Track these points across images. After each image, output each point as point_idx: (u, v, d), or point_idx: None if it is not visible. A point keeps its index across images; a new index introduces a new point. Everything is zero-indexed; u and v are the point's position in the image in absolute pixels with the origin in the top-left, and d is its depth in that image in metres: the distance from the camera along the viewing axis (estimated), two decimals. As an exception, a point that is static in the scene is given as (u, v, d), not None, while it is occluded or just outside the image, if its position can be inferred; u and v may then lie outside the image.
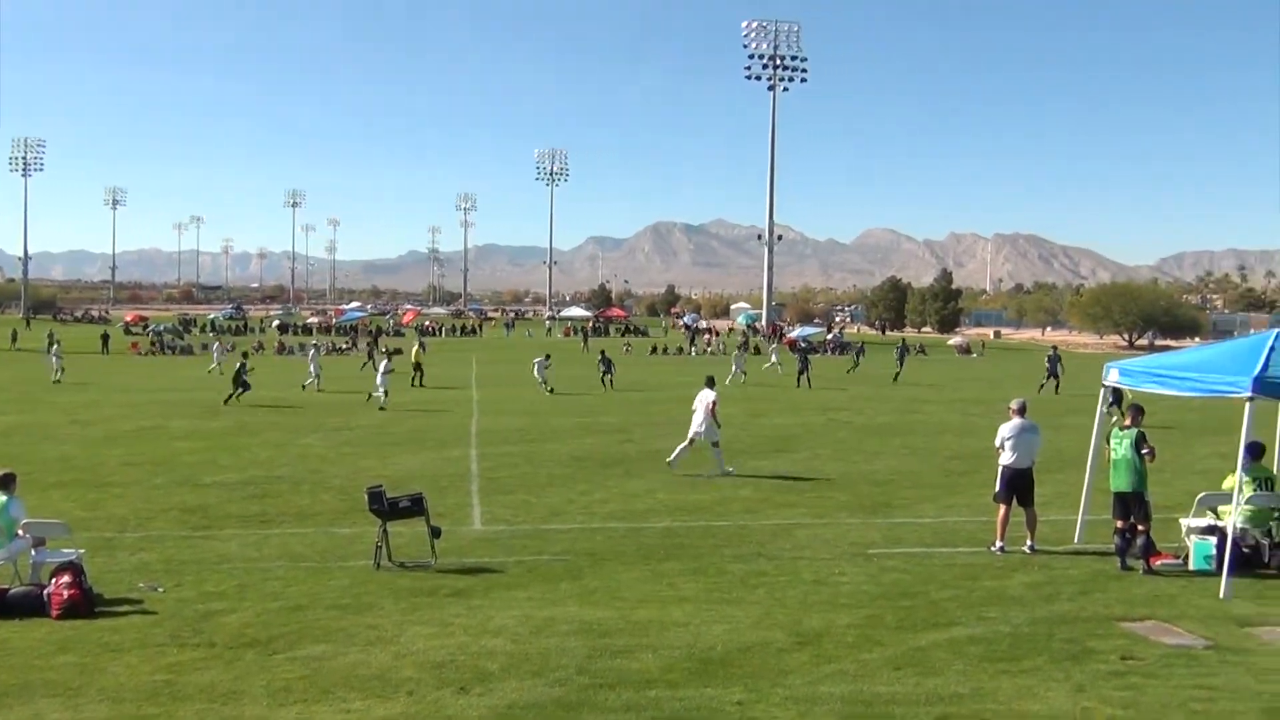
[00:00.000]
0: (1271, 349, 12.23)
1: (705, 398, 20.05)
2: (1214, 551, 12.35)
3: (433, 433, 26.28)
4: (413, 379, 41.23)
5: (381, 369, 33.84)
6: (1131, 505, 12.69)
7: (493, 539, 14.15)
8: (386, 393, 32.46)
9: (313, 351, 41.44)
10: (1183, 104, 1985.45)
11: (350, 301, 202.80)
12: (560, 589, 11.51)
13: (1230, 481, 13.28)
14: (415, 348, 45.24)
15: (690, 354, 74.40)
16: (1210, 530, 12.78)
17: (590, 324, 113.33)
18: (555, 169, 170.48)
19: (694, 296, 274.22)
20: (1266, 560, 12.66)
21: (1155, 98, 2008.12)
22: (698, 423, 19.87)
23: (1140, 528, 12.62)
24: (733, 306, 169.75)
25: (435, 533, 12.75)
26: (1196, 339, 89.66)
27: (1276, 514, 13.07)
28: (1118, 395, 23.33)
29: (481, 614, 10.49)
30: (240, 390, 33.42)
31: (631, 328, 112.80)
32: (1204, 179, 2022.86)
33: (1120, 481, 12.80)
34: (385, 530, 12.59)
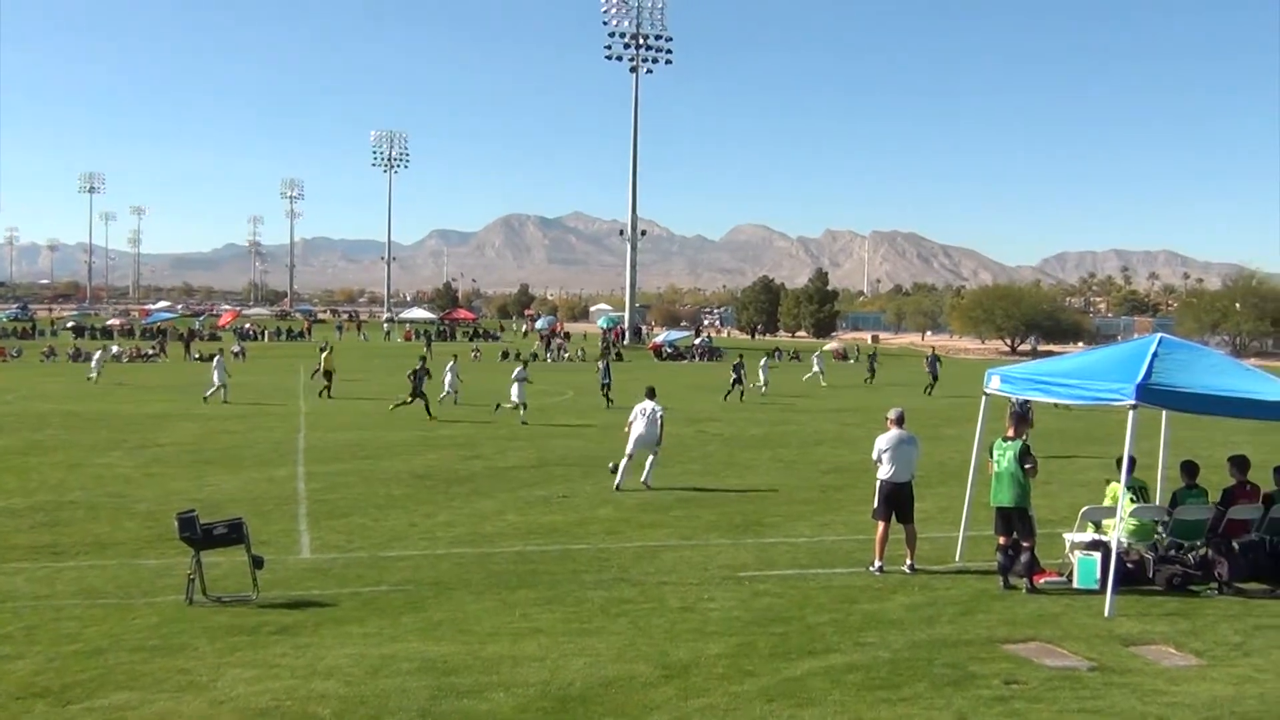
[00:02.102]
0: (1154, 355, 12.90)
1: (647, 408, 20.77)
2: (1098, 567, 12.91)
3: (253, 450, 25.61)
4: (326, 389, 40.57)
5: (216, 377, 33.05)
6: (1014, 520, 13.17)
7: (323, 569, 13.86)
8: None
9: (218, 358, 39.87)
10: (1063, 101, 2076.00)
11: (158, 301, 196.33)
12: (401, 623, 11.35)
13: (1112, 494, 13.93)
14: (326, 353, 43.28)
15: (546, 359, 74.33)
16: (1094, 545, 13.36)
17: (435, 327, 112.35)
18: (394, 154, 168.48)
19: (550, 297, 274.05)
20: (1150, 576, 13.31)
21: (1035, 94, 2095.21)
22: (637, 434, 20.59)
23: (1024, 544, 13.11)
24: (593, 308, 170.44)
25: (257, 563, 12.42)
26: (1080, 344, 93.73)
27: (1160, 527, 13.78)
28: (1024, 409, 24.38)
29: (310, 653, 10.26)
30: None
31: (481, 331, 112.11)
32: (1086, 177, 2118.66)
33: (1002, 496, 13.24)
34: (199, 561, 12.21)
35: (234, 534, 12.46)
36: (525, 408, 32.72)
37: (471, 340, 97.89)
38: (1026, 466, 13.12)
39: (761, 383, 46.17)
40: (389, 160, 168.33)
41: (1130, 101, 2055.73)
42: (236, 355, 68.93)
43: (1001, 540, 13.23)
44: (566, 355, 77.16)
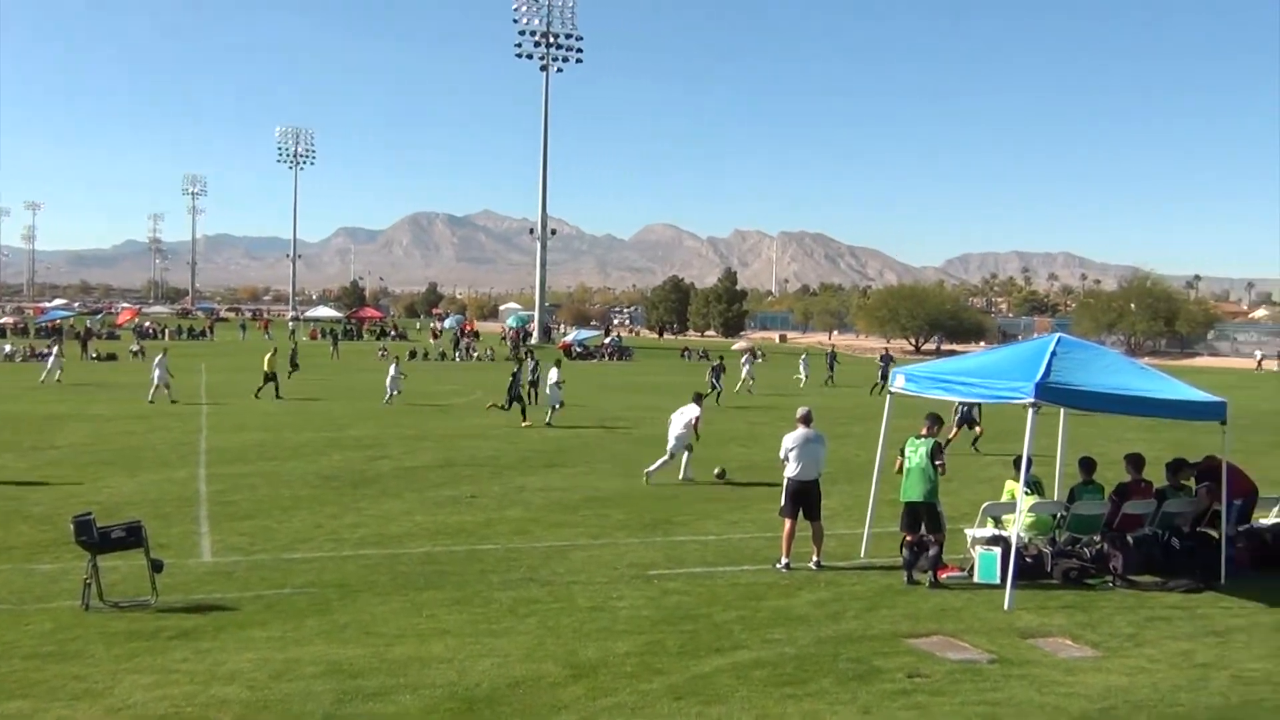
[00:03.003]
0: (1053, 354, 13.23)
1: (689, 412, 21.62)
2: (998, 562, 13.19)
3: (153, 451, 25.04)
4: (261, 389, 39.75)
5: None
6: (923, 516, 13.40)
7: (226, 572, 13.61)
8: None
9: (160, 357, 38.77)
10: (965, 105, 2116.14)
11: (53, 299, 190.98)
12: (305, 626, 11.19)
13: (1012, 489, 14.25)
14: (270, 354, 42.05)
15: (455, 359, 73.84)
16: (994, 541, 13.65)
17: (341, 325, 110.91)
18: (300, 150, 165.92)
19: (459, 295, 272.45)
20: (1049, 569, 13.64)
21: (938, 98, 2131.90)
22: (675, 435, 21.28)
23: (935, 540, 13.35)
24: (502, 307, 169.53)
25: (156, 566, 12.16)
26: (982, 343, 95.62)
27: (1057, 521, 14.13)
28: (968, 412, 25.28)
29: (211, 658, 10.07)
30: None
31: (388, 330, 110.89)
32: (988, 180, 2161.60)
33: (912, 491, 13.47)
34: (95, 565, 11.91)
35: (132, 537, 12.18)
36: (560, 406, 32.37)
37: (379, 339, 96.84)
38: (938, 463, 13.36)
39: (745, 378, 46.89)
40: (295, 156, 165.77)
41: (1030, 106, 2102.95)
42: (135, 354, 67.29)
43: (908, 537, 13.46)
44: (475, 355, 76.66)
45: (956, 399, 14.33)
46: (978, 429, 27.31)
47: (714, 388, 40.27)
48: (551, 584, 13.08)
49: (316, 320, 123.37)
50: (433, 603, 12.14)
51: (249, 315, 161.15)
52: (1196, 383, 15.16)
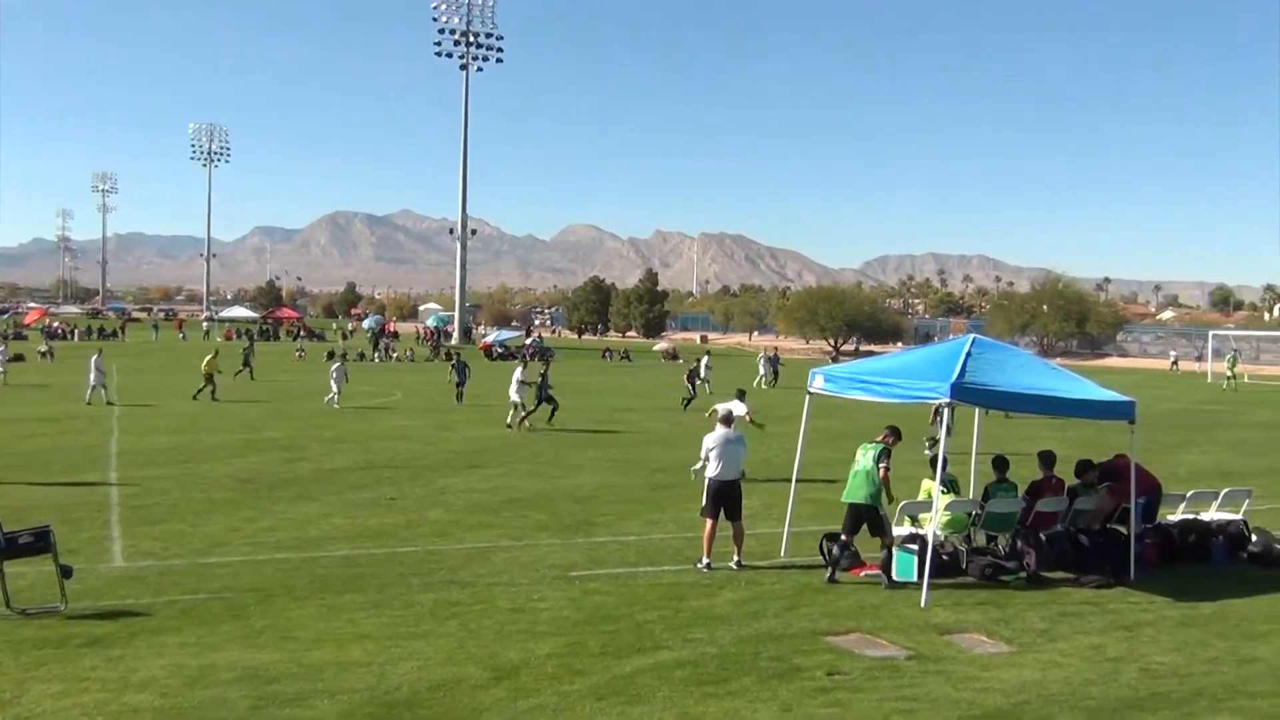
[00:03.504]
0: (968, 355, 13.46)
1: (738, 409, 21.14)
2: (915, 560, 13.39)
3: (62, 454, 24.45)
4: (201, 391, 38.94)
5: None
6: (864, 518, 13.55)
7: (138, 577, 13.34)
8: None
9: (95, 357, 37.69)
10: (883, 110, 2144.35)
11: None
12: (220, 631, 11.00)
13: (928, 489, 14.47)
14: (210, 356, 41.16)
15: (374, 359, 73.12)
16: (911, 539, 13.85)
17: (258, 326, 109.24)
18: (214, 148, 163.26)
19: (378, 296, 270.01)
20: (964, 567, 13.87)
21: (856, 102, 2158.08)
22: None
23: (882, 543, 13.49)
24: (422, 307, 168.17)
25: (65, 572, 11.87)
26: (899, 344, 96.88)
27: (972, 520, 14.37)
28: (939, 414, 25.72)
29: (123, 665, 9.86)
30: None
31: (305, 330, 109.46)
32: (905, 184, 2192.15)
33: (855, 493, 13.58)
34: (2, 571, 11.60)
35: (40, 542, 11.88)
36: (525, 408, 31.54)
37: (295, 339, 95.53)
38: (882, 466, 13.49)
39: (703, 381, 46.85)
40: (209, 154, 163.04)
41: (945, 110, 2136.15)
42: (44, 355, 65.69)
43: (844, 537, 13.60)
44: (395, 355, 75.98)
45: (873, 398, 14.48)
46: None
47: (692, 392, 39.79)
48: (472, 586, 13.01)
49: (232, 320, 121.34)
50: (351, 606, 12.01)
51: (162, 315, 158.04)
52: (1108, 383, 15.54)
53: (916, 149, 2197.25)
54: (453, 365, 40.94)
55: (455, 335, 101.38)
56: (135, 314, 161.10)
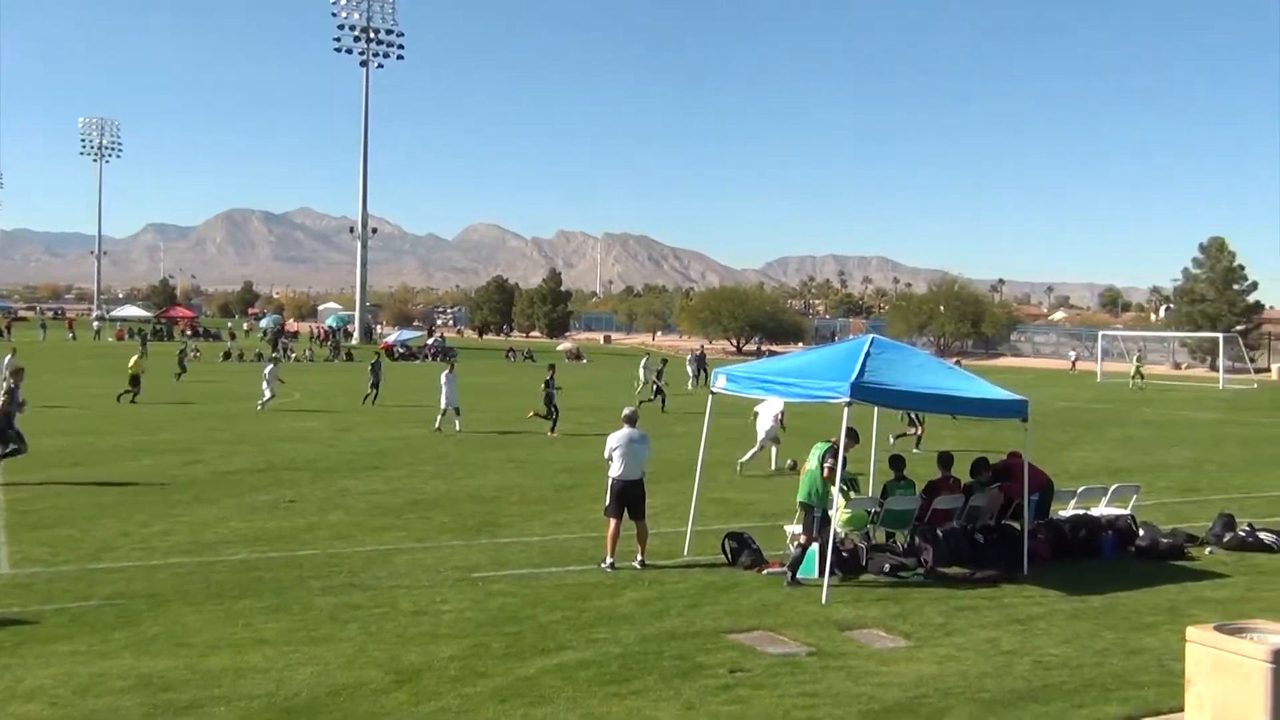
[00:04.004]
0: (867, 355, 13.68)
1: (774, 405, 22.25)
2: (817, 558, 13.56)
3: (-56, 458, 23.60)
4: (125, 393, 37.74)
5: None
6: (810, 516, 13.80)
7: (25, 584, 12.94)
8: None
9: (9, 358, 36.20)
10: (784, 114, 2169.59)
11: None
12: (112, 639, 10.73)
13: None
14: (136, 357, 40.04)
15: (272, 359, 71.84)
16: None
17: (150, 325, 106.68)
18: (105, 142, 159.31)
19: (276, 295, 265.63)
20: (864, 563, 14.09)
21: (757, 102, 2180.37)
22: (765, 428, 22.83)
23: (803, 540, 13.69)
24: (321, 307, 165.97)
25: (-52, 580, 11.49)
26: (800, 344, 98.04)
27: (872, 517, 14.60)
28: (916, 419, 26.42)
29: (10, 675, 9.56)
30: None
31: (201, 330, 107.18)
32: (807, 186, 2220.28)
33: (802, 492, 13.87)
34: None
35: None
36: (457, 412, 30.95)
37: (191, 339, 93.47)
38: (827, 464, 13.70)
39: (642, 383, 46.73)
40: (99, 149, 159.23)
41: (845, 114, 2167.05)
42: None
43: (803, 537, 13.76)
44: (294, 356, 74.80)
45: (776, 398, 14.68)
46: (918, 430, 27.99)
47: (659, 392, 39.30)
48: (374, 589, 12.87)
49: (124, 320, 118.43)
50: (249, 611, 11.80)
51: (50, 314, 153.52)
52: (1005, 382, 15.92)
53: (817, 152, 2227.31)
54: (371, 366, 40.48)
55: (356, 335, 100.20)
56: (21, 313, 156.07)
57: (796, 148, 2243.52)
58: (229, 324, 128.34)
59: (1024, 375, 64.95)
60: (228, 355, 71.22)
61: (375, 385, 38.80)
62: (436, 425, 30.35)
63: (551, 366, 35.36)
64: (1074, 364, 77.07)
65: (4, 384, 21.34)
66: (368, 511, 17.97)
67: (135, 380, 38.46)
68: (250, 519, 17.11)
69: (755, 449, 23.25)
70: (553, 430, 30.34)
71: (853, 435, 14.22)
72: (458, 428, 30.14)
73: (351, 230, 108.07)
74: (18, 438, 20.65)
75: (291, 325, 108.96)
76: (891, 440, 24.68)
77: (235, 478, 21.31)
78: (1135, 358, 64.57)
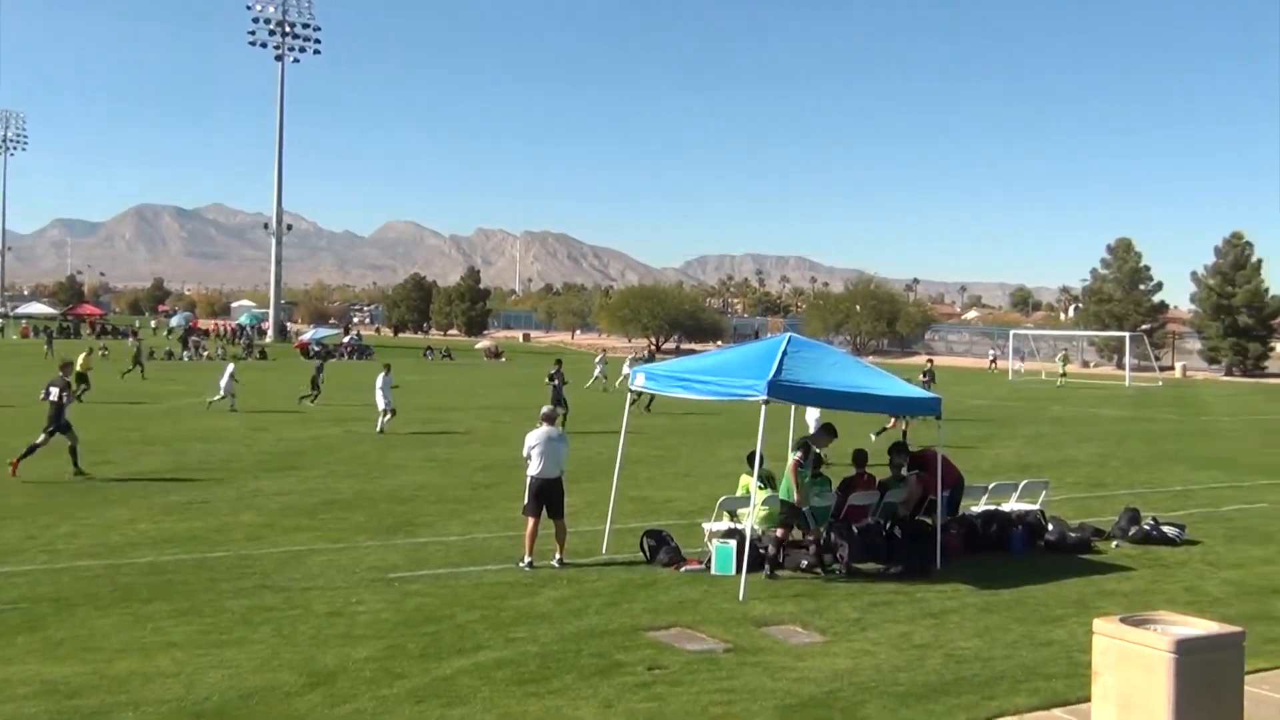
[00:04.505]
0: (784, 353, 13.79)
1: (811, 414, 22.63)
2: (734, 554, 13.64)
3: None
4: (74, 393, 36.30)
5: None
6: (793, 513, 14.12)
7: (-77, 589, 12.55)
8: None
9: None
10: (699, 108, 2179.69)
11: None
12: (16, 644, 10.44)
13: (746, 484, 14.77)
14: (85, 354, 39.30)
15: (183, 358, 70.64)
16: (730, 534, 14.12)
17: (57, 323, 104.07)
18: (9, 135, 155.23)
19: (187, 292, 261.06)
20: (781, 560, 14.20)
21: (672, 102, 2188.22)
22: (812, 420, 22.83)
23: (789, 534, 14.05)
24: (234, 304, 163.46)
25: None
26: (719, 342, 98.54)
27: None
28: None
29: (-93, 683, 9.27)
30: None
31: (109, 328, 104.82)
32: (725, 185, 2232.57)
33: (783, 491, 14.16)
34: None
35: None
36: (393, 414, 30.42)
37: (99, 337, 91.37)
38: (794, 458, 14.02)
39: (598, 376, 46.60)
40: (3, 142, 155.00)
41: (762, 115, 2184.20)
42: None
43: (779, 532, 14.00)
44: (206, 354, 73.48)
45: (693, 396, 14.74)
46: (891, 423, 28.27)
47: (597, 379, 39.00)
48: (287, 590, 12.68)
49: (29, 317, 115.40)
50: (158, 614, 11.56)
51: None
52: (943, 383, 16.10)
53: (736, 151, 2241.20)
54: (317, 366, 40.20)
55: (270, 333, 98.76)
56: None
57: (715, 147, 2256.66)
58: (137, 321, 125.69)
59: (938, 373, 65.91)
60: (138, 355, 69.60)
61: (316, 385, 38.40)
62: (379, 429, 29.87)
63: (558, 361, 34.80)
64: (993, 363, 78.43)
65: (59, 378, 22.03)
66: (281, 512, 17.71)
67: (83, 378, 37.73)
68: (159, 521, 16.76)
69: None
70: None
71: (830, 431, 14.56)
72: (379, 429, 29.78)
73: (266, 226, 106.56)
74: (67, 428, 21.37)
75: (216, 325, 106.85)
76: (873, 437, 25.14)
77: (145, 479, 20.87)
78: (1060, 357, 66.24)
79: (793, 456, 14.10)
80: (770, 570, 13.63)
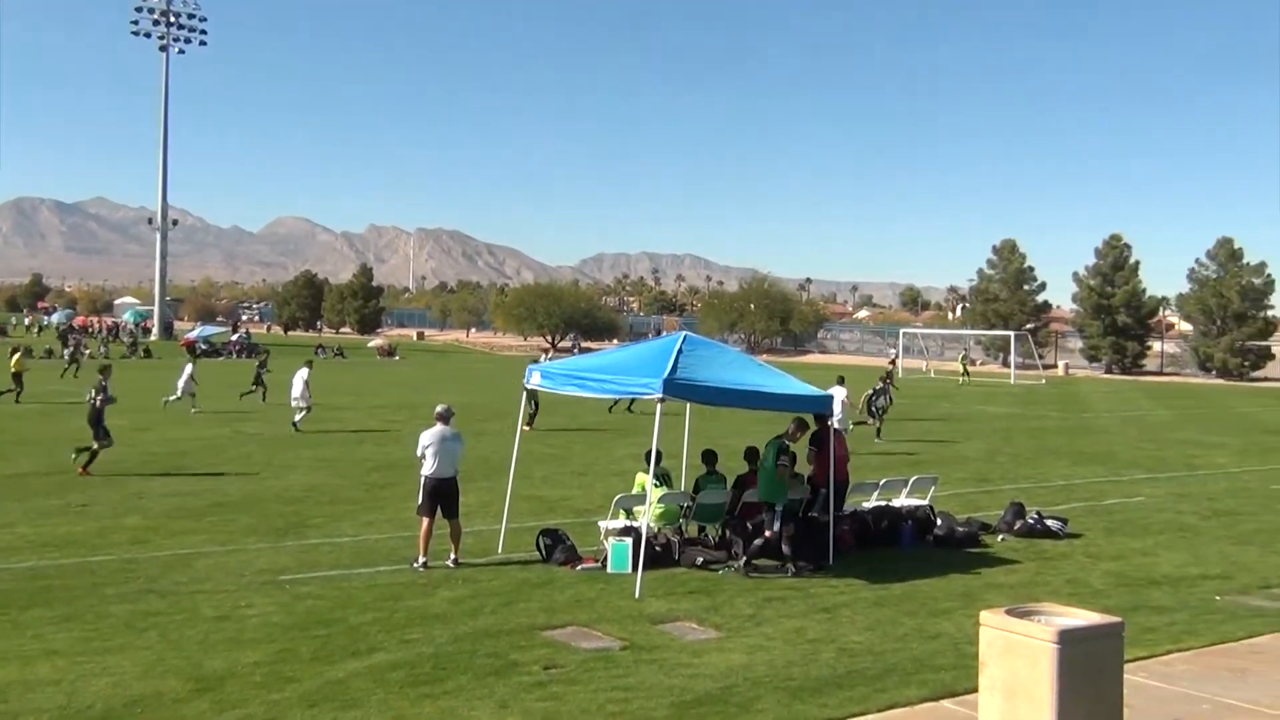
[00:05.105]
0: (679, 352, 13.87)
1: (839, 393, 23.64)
2: (630, 552, 13.69)
3: None
4: (6, 393, 35.65)
5: None
6: (763, 511, 14.22)
7: None
8: None
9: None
10: (593, 108, 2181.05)
11: None
12: (-116, 655, 10.05)
13: (642, 482, 14.84)
14: (17, 355, 38.14)
15: (63, 356, 68.44)
16: (626, 531, 14.16)
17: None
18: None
19: (68, 289, 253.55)
20: (676, 557, 14.29)
21: (568, 99, 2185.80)
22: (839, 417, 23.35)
23: (766, 533, 14.05)
24: (117, 301, 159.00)
25: None
26: (615, 341, 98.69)
27: (684, 511, 14.83)
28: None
29: None
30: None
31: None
32: (620, 184, 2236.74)
33: (761, 490, 14.35)
34: None
35: None
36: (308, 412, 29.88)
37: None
38: (780, 463, 14.14)
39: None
40: None
41: (657, 113, 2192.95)
42: None
43: (768, 533, 14.02)
44: (88, 353, 71.33)
45: (589, 394, 14.77)
46: (877, 422, 29.87)
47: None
48: (173, 595, 12.40)
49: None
50: (38, 621, 11.21)
51: None
52: (815, 379, 16.33)
53: (632, 150, 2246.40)
54: (260, 359, 39.52)
55: (155, 331, 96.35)
56: None
57: (611, 146, 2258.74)
58: (13, 319, 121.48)
59: (830, 372, 66.79)
60: (15, 351, 67.23)
61: (259, 382, 37.61)
62: (294, 425, 29.52)
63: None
64: (893, 362, 79.73)
65: (97, 382, 22.47)
66: (166, 514, 17.29)
67: (17, 378, 37.00)
68: (38, 524, 16.24)
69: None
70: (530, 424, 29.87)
71: (802, 425, 14.97)
72: (295, 423, 29.51)
73: (150, 221, 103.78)
74: (105, 433, 21.87)
75: (104, 322, 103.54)
76: (849, 428, 26.12)
77: (21, 481, 20.22)
78: (961, 358, 67.69)
79: (780, 461, 14.29)
80: (746, 562, 13.93)
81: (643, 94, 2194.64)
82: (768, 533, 14.09)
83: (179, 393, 34.58)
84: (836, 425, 24.20)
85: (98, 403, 21.92)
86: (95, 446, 21.58)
